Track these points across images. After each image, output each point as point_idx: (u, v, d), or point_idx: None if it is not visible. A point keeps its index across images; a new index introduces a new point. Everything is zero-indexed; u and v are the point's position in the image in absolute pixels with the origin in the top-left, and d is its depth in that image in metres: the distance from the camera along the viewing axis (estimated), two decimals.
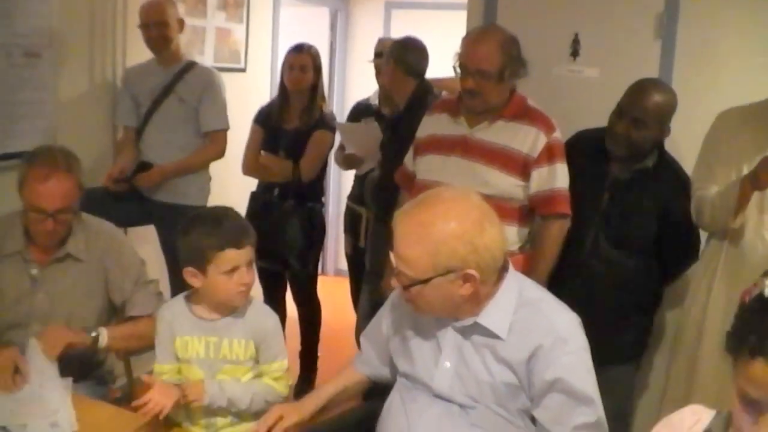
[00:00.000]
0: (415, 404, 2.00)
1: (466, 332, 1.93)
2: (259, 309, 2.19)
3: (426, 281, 1.82)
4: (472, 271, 1.80)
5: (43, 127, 3.29)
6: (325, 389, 2.24)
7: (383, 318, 2.18)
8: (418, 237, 1.81)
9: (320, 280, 4.33)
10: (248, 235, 2.11)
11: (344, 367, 2.33)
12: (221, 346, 2.14)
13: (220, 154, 3.64)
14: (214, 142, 3.59)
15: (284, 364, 2.19)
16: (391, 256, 1.88)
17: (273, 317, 2.23)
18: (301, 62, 3.77)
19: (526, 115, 2.74)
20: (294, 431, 2.06)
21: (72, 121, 3.49)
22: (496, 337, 1.88)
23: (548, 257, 2.74)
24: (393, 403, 2.07)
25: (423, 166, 2.86)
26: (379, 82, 4.06)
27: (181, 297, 2.24)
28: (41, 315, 2.42)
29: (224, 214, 2.12)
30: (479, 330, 1.91)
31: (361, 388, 2.31)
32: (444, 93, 3.45)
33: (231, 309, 2.15)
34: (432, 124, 2.89)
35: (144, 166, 3.47)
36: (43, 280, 2.45)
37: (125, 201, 3.49)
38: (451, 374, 1.94)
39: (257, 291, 4.04)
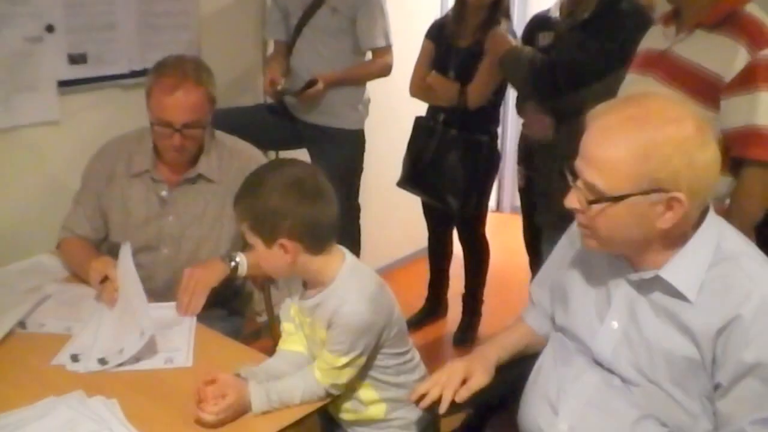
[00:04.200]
0: (568, 368, 1.63)
1: (643, 287, 1.53)
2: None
3: (619, 199, 1.42)
4: (681, 195, 1.39)
5: (185, 40, 3.15)
6: (506, 343, 1.84)
7: (555, 259, 1.80)
8: (623, 134, 1.41)
9: (493, 217, 4.02)
10: None
11: (514, 314, 1.95)
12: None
13: (385, 71, 3.39)
14: (378, 59, 3.34)
15: (338, 360, 1.71)
16: (575, 163, 1.48)
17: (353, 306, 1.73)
18: None
19: (732, 21, 2.12)
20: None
21: (217, 35, 3.30)
22: (681, 297, 1.47)
23: (747, 214, 2.14)
24: (544, 363, 1.71)
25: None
26: None
27: None
28: (171, 238, 2.32)
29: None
30: (661, 286, 1.50)
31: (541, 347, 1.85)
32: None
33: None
34: (647, 37, 2.40)
35: (311, 84, 3.22)
36: (174, 202, 2.31)
37: (274, 122, 3.33)
38: (617, 337, 1.56)
39: (423, 227, 3.78)
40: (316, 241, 1.69)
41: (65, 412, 1.64)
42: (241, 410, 1.65)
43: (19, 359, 1.88)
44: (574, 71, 2.83)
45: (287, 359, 1.82)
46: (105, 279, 2.10)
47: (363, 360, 1.73)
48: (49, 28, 2.71)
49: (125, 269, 2.03)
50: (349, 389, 1.79)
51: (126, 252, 2.05)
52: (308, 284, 1.78)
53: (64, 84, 2.78)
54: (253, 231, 1.69)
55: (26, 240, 2.60)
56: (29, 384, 1.76)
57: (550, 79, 2.89)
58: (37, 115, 2.72)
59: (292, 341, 1.86)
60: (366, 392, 1.82)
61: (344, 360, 1.69)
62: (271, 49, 3.50)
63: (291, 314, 1.84)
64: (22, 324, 2.02)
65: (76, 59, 2.81)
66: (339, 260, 1.75)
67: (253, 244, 1.71)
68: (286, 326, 1.87)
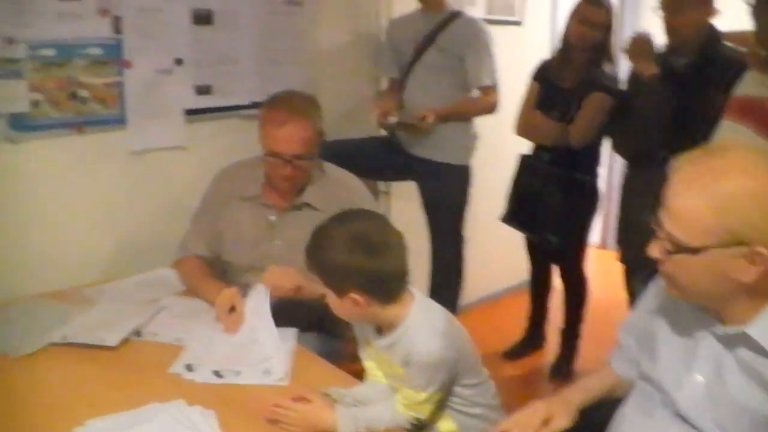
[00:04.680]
0: (651, 419, 1.60)
1: (729, 342, 1.49)
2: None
3: (697, 250, 1.40)
4: (763, 250, 1.36)
5: (301, 75, 3.31)
6: (589, 386, 1.83)
7: (643, 304, 1.77)
8: (702, 186, 1.39)
9: (597, 254, 3.99)
10: None
11: (607, 353, 1.93)
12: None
13: (491, 109, 3.46)
14: (485, 97, 3.42)
15: (418, 396, 1.76)
16: (659, 213, 1.47)
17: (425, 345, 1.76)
18: (595, 17, 3.34)
19: None
20: None
21: (333, 70, 3.48)
22: None
23: None
24: (627, 411, 1.69)
25: None
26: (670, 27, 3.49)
27: None
28: (277, 260, 2.40)
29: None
30: (747, 343, 1.45)
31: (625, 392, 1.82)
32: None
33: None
34: (744, 83, 2.38)
35: (422, 118, 3.32)
36: (280, 227, 2.44)
37: (384, 154, 3.45)
38: (702, 392, 1.52)
39: (525, 260, 3.83)
40: (385, 293, 1.75)
41: (166, 419, 1.74)
42: (320, 427, 1.73)
43: (130, 365, 2.02)
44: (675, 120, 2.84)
45: (376, 387, 1.89)
46: (232, 309, 2.21)
47: (441, 394, 1.79)
48: (179, 62, 2.95)
49: (259, 306, 2.15)
50: (428, 420, 1.83)
51: (262, 292, 2.17)
52: (381, 326, 1.84)
53: (190, 112, 3.01)
54: (324, 283, 1.76)
55: (147, 254, 2.82)
56: (136, 389, 1.88)
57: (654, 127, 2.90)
58: (166, 139, 2.96)
59: (375, 375, 1.92)
60: (444, 423, 1.87)
61: (424, 395, 1.74)
62: (383, 85, 3.65)
63: (369, 352, 1.91)
64: (137, 332, 2.18)
65: (202, 90, 3.03)
66: (409, 301, 1.79)
67: (327, 293, 1.78)
68: (366, 363, 1.93)
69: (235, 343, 2.11)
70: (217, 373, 1.96)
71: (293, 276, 2.20)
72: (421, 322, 1.76)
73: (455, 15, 3.38)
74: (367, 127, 3.62)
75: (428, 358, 1.72)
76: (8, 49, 2.53)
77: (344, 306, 1.76)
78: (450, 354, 1.76)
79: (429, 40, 3.34)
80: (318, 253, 1.76)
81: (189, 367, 1.99)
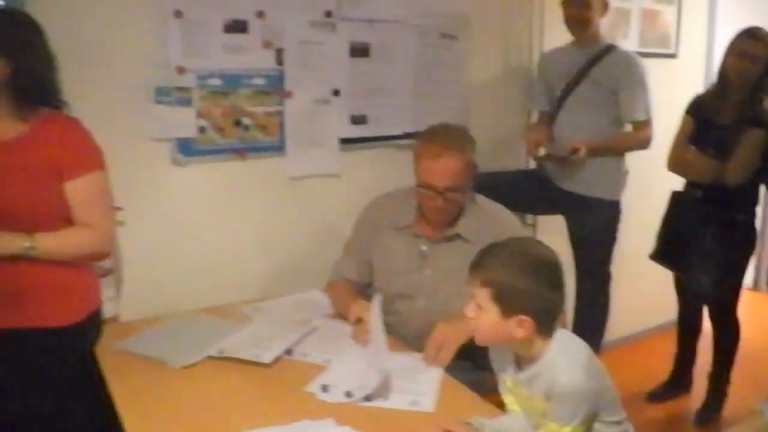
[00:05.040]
0: None
1: None
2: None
3: None
4: None
5: (454, 107, 3.38)
6: None
7: None
8: None
9: (749, 296, 3.84)
10: None
11: (763, 397, 1.87)
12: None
13: (644, 144, 3.40)
14: (638, 132, 3.37)
15: (562, 430, 1.74)
16: None
17: (568, 376, 1.75)
18: (755, 51, 3.23)
19: None
20: None
21: (483, 103, 3.52)
22: None
23: None
24: None
25: None
26: None
27: None
28: (427, 290, 2.47)
29: None
30: None
31: None
32: None
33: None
34: None
35: (574, 151, 3.29)
36: (432, 257, 2.48)
37: (534, 187, 3.45)
38: None
39: (673, 300, 3.73)
40: (549, 324, 1.77)
41: None
42: None
43: (281, 382, 2.11)
44: None
45: (518, 420, 1.89)
46: (359, 320, 2.32)
47: (584, 428, 1.77)
48: (336, 92, 3.07)
49: (374, 316, 2.21)
50: None
51: (377, 303, 2.23)
52: (521, 357, 1.84)
53: (345, 141, 3.13)
54: (495, 300, 1.75)
55: (300, 276, 2.95)
56: (287, 405, 1.96)
57: None
58: (322, 167, 3.09)
59: (514, 410, 1.92)
60: None
61: (568, 429, 1.73)
62: (533, 118, 3.65)
63: (508, 386, 1.90)
64: (289, 351, 2.27)
65: (357, 120, 3.15)
66: (552, 335, 1.81)
67: (484, 309, 1.77)
68: (505, 398, 1.94)
69: (365, 361, 2.16)
70: (348, 394, 2.00)
71: (463, 329, 2.18)
72: (563, 355, 1.76)
73: (609, 48, 3.35)
74: (517, 159, 3.67)
75: (572, 389, 1.72)
76: (180, 78, 2.72)
77: (504, 326, 1.76)
78: (592, 386, 1.75)
79: (582, 74, 3.33)
80: (500, 269, 1.76)
81: (324, 388, 2.05)
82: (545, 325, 1.76)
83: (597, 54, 3.33)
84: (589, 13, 3.30)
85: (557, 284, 1.77)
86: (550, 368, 1.75)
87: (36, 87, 2.09)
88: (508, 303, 1.74)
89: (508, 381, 1.90)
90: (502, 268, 1.76)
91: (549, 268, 1.76)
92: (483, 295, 1.77)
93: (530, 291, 1.73)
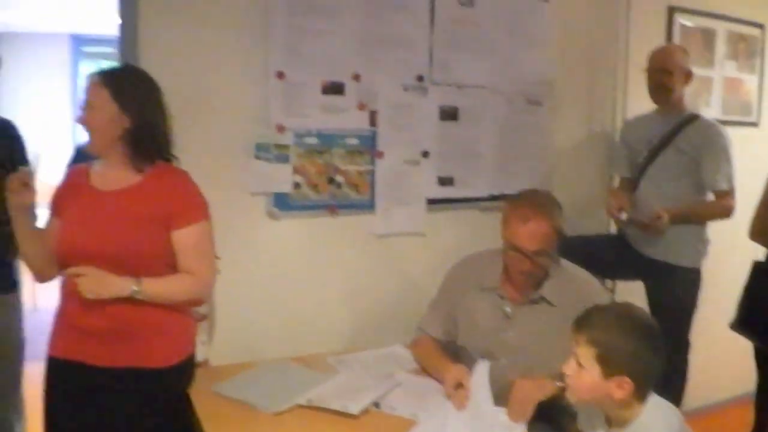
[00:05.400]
0: None
1: None
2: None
3: None
4: None
5: (539, 171, 3.47)
6: None
7: None
8: None
9: None
10: None
11: None
12: None
13: (726, 213, 3.41)
14: (721, 201, 3.39)
15: None
16: None
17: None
18: None
19: None
20: None
21: (567, 168, 3.60)
22: None
23: None
24: None
25: None
26: None
27: None
28: (510, 350, 2.50)
29: None
30: None
31: None
32: None
33: None
34: None
35: (657, 217, 3.29)
36: (516, 319, 2.52)
37: (614, 253, 3.48)
38: None
39: (752, 371, 3.68)
40: (647, 389, 1.82)
41: None
42: None
43: None
44: None
45: None
46: (459, 385, 2.35)
47: None
48: (425, 154, 3.19)
49: (480, 383, 2.28)
50: None
51: (484, 369, 2.30)
52: (611, 418, 1.89)
53: (431, 201, 3.23)
54: (599, 360, 1.80)
55: (384, 330, 3.05)
56: None
57: None
58: (408, 226, 3.19)
59: None
60: None
61: None
62: (615, 183, 3.70)
63: None
64: (376, 404, 2.34)
65: (445, 181, 3.25)
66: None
67: (585, 367, 1.83)
68: None
69: (467, 423, 2.22)
70: None
71: (542, 388, 2.27)
72: (658, 420, 1.81)
73: (693, 117, 3.39)
74: (598, 224, 3.71)
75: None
76: (280, 136, 2.87)
77: (603, 387, 1.81)
78: None
79: (666, 142, 3.37)
80: (605, 332, 1.82)
81: None
82: (644, 388, 1.81)
83: (680, 122, 3.37)
84: (672, 81, 3.36)
85: (659, 349, 1.82)
86: (645, 431, 1.79)
87: (152, 140, 2.25)
88: (611, 364, 1.79)
89: None
90: (608, 329, 1.82)
91: (653, 333, 1.82)
92: (586, 354, 1.83)
93: (635, 354, 1.78)
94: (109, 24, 3.54)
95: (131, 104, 2.20)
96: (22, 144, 2.84)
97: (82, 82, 2.46)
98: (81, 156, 3.04)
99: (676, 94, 3.40)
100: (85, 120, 2.22)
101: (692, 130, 3.36)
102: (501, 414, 2.28)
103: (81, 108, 2.23)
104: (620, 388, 1.79)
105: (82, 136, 3.41)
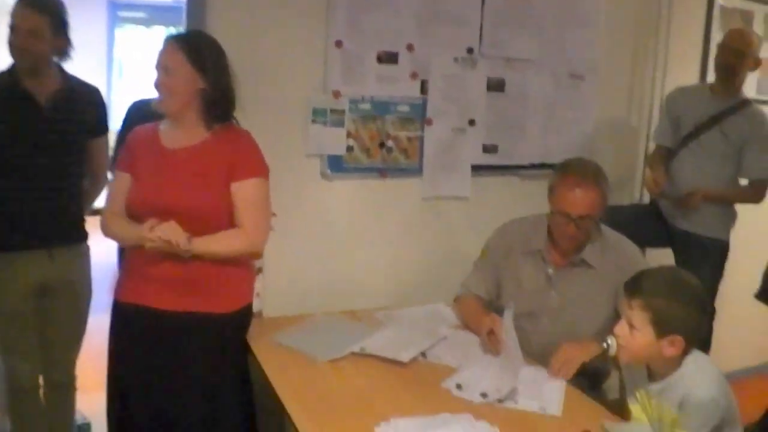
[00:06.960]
0: None
1: None
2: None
3: None
4: None
5: (580, 143, 3.58)
6: None
7: None
8: None
9: None
10: None
11: None
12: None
13: (757, 200, 3.53)
14: (756, 188, 3.49)
15: None
16: None
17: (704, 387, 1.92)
18: None
19: None
20: None
21: (604, 140, 3.70)
22: None
23: None
24: None
25: None
26: None
27: None
28: (552, 311, 2.65)
29: None
30: None
31: None
32: None
33: None
34: None
35: (692, 194, 3.43)
36: (558, 281, 2.65)
37: (647, 222, 3.59)
38: None
39: None
40: (694, 345, 1.95)
41: (457, 428, 2.02)
42: None
43: (418, 379, 2.35)
44: None
45: (645, 429, 2.05)
46: (491, 332, 2.52)
47: None
48: (471, 122, 3.33)
49: (507, 327, 2.42)
50: None
51: (509, 314, 2.43)
52: (653, 371, 2.01)
53: (476, 168, 3.37)
54: (653, 323, 1.90)
55: (427, 289, 3.20)
56: (426, 399, 2.20)
57: None
58: (453, 190, 3.34)
59: (640, 419, 2.08)
60: None
61: None
62: (650, 149, 3.79)
63: (638, 397, 2.07)
64: (423, 354, 2.51)
65: (489, 149, 3.39)
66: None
67: (638, 329, 1.93)
68: (632, 407, 2.08)
69: (500, 368, 2.38)
70: (483, 395, 2.22)
71: (587, 350, 2.42)
72: (699, 370, 1.94)
73: (745, 103, 3.45)
74: (631, 192, 3.84)
75: (706, 399, 1.89)
76: (336, 101, 3.01)
77: (655, 346, 1.92)
78: (723, 401, 1.92)
79: (713, 122, 3.42)
80: (658, 295, 1.92)
81: (459, 386, 2.27)
82: (693, 344, 1.95)
83: (732, 106, 3.42)
84: (741, 63, 3.41)
85: (706, 308, 1.99)
86: (687, 381, 1.93)
87: (223, 102, 2.38)
88: (664, 326, 1.91)
89: (638, 392, 2.08)
90: (661, 293, 1.93)
91: (700, 294, 1.96)
92: (640, 317, 1.94)
93: (687, 315, 1.91)
94: None
95: (206, 67, 2.32)
96: (106, 111, 2.92)
97: (118, 47, 2.53)
98: (137, 115, 3.16)
99: (740, 78, 3.45)
100: (162, 82, 2.33)
101: (741, 117, 3.41)
102: (542, 372, 2.42)
103: (156, 70, 2.34)
104: (672, 346, 1.91)
105: (135, 97, 3.54)
